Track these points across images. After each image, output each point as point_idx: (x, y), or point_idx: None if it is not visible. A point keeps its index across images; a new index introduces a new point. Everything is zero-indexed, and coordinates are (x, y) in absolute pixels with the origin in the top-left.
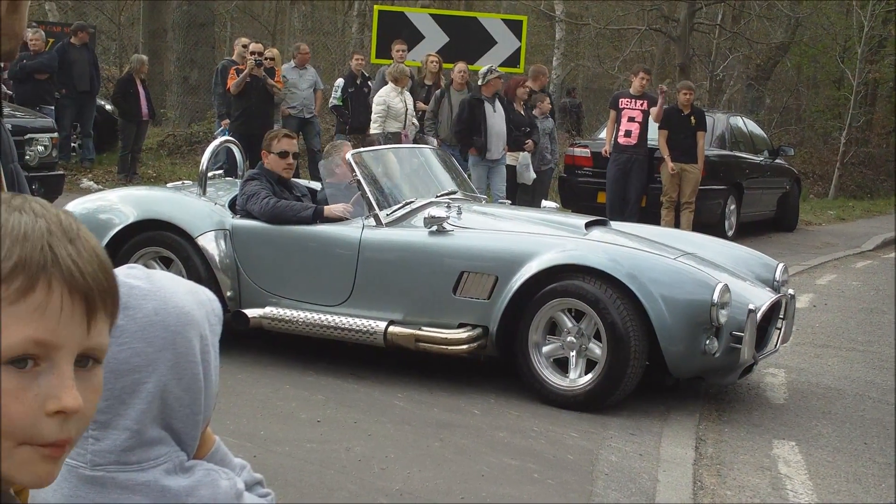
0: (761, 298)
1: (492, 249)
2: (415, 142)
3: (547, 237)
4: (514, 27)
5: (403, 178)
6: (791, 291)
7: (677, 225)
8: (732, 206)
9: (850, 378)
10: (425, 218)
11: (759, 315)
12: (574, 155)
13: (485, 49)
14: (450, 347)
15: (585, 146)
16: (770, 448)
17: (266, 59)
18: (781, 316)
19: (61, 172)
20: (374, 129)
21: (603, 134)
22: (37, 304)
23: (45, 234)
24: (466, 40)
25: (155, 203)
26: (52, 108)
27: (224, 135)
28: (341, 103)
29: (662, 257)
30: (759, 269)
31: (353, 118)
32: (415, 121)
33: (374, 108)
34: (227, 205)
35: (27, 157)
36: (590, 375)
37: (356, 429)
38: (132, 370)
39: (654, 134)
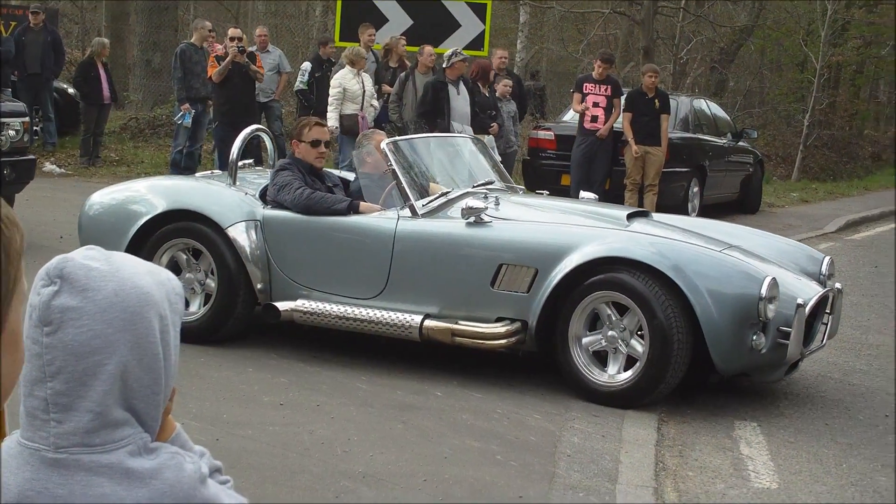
0: (808, 293)
1: (532, 241)
2: (376, 125)
3: (588, 229)
4: (479, 10)
5: (439, 168)
6: (838, 285)
7: (641, 207)
8: (696, 189)
9: (811, 359)
10: (462, 209)
11: (807, 310)
12: (538, 138)
13: (449, 32)
14: (487, 342)
15: (549, 129)
16: (732, 429)
17: (240, 44)
18: (828, 311)
19: (33, 157)
20: (330, 111)
21: (566, 117)
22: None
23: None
24: (430, 23)
25: (184, 193)
26: (10, 91)
27: (185, 120)
28: (307, 87)
29: (708, 250)
30: (804, 262)
31: (317, 103)
32: (374, 103)
33: (331, 91)
34: (257, 195)
35: None
36: (630, 372)
37: (319, 411)
38: (92, 352)
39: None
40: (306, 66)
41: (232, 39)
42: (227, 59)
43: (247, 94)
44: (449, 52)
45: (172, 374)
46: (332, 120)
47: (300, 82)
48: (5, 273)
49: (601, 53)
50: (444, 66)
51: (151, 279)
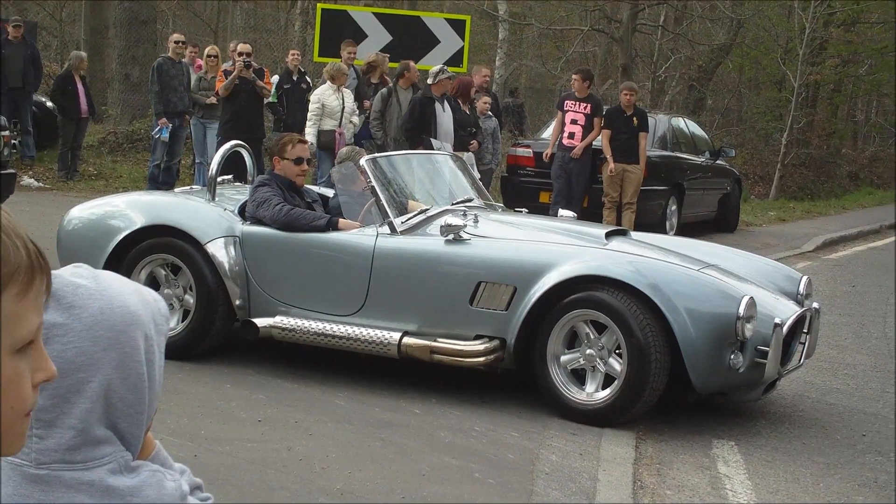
0: (786, 312)
1: (510, 259)
2: (356, 142)
3: (567, 247)
4: (458, 27)
5: (419, 185)
6: (816, 305)
7: (619, 225)
8: (674, 207)
9: (788, 378)
10: (441, 226)
11: (784, 329)
12: (516, 155)
13: (428, 48)
14: (466, 360)
15: (528, 146)
16: (710, 447)
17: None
18: (805, 330)
19: (13, 171)
20: (308, 126)
21: (545, 134)
22: (35, 293)
23: (14, 232)
24: (409, 39)
25: (162, 208)
26: None
27: (162, 134)
28: (275, 100)
29: (686, 268)
30: (782, 282)
31: (287, 115)
32: (354, 119)
33: (310, 106)
34: (236, 211)
35: None
36: (608, 390)
37: (297, 428)
38: (77, 369)
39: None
40: (274, 79)
41: (240, 55)
42: (234, 73)
43: (253, 109)
44: (435, 68)
45: (156, 395)
46: (311, 136)
47: (271, 95)
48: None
49: (578, 69)
50: (429, 82)
51: (138, 299)
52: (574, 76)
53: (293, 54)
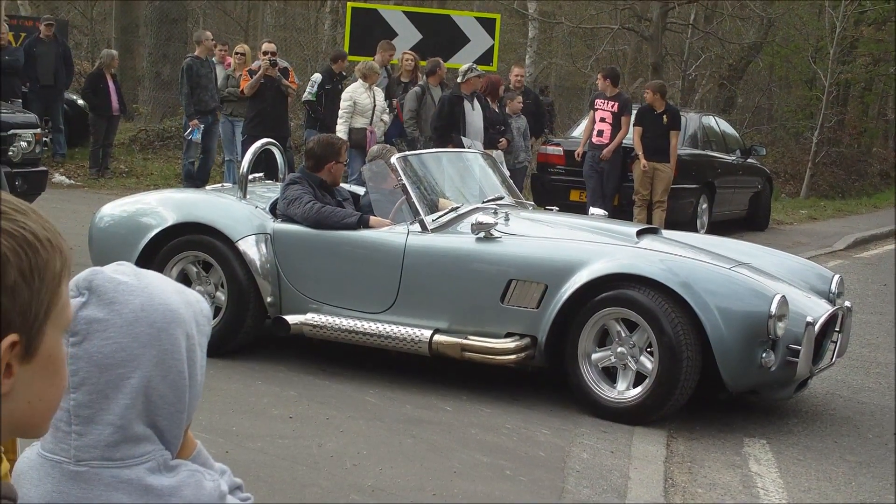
0: (818, 311)
1: (541, 257)
2: (387, 140)
3: (598, 245)
4: (488, 25)
5: (449, 183)
6: (848, 303)
7: (649, 223)
8: (704, 205)
9: (820, 377)
10: (472, 224)
11: (816, 328)
12: (547, 153)
13: (458, 47)
14: (497, 357)
15: (558, 144)
16: (741, 446)
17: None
18: (837, 329)
19: (44, 169)
20: (340, 124)
21: (576, 132)
22: (68, 281)
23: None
24: (440, 38)
25: (194, 206)
26: (21, 101)
27: (194, 136)
28: (314, 98)
29: (718, 267)
30: (813, 280)
31: (325, 115)
32: (385, 118)
33: (342, 104)
34: (267, 208)
35: (11, 152)
36: (639, 388)
37: (328, 425)
38: (116, 364)
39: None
40: (316, 77)
41: (265, 53)
42: (259, 72)
43: (278, 108)
44: (465, 67)
45: (197, 395)
46: (342, 133)
47: (309, 93)
48: (37, 295)
49: (602, 69)
50: (459, 80)
51: (180, 298)
52: (601, 78)
53: (342, 63)
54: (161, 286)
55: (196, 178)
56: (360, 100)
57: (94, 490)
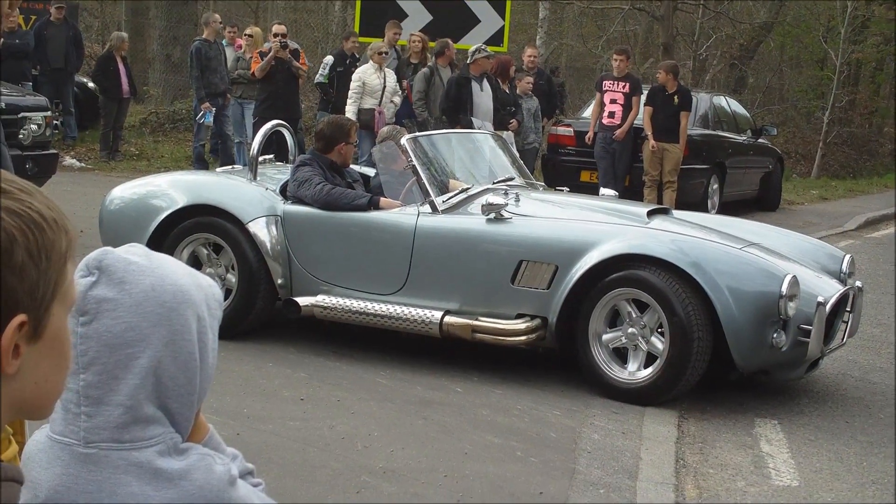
0: (829, 291)
1: (552, 238)
2: (397, 121)
3: (609, 225)
4: (498, 6)
5: (459, 164)
6: (859, 283)
7: (660, 203)
8: (715, 186)
9: (831, 357)
10: (483, 205)
11: (827, 308)
12: (557, 134)
13: (468, 28)
14: (507, 338)
15: (569, 125)
16: (752, 426)
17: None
18: (848, 309)
19: (55, 151)
20: (349, 104)
21: (586, 113)
22: (73, 261)
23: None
24: (450, 19)
25: (205, 188)
26: (31, 84)
27: (207, 119)
28: (326, 81)
29: (728, 247)
30: (824, 260)
31: (337, 97)
32: (396, 99)
33: (352, 85)
34: (278, 190)
35: (21, 135)
36: (650, 369)
37: (339, 406)
38: (126, 344)
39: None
40: (328, 59)
41: (276, 35)
42: (270, 54)
43: (289, 90)
44: (473, 48)
45: (209, 377)
46: (351, 114)
47: (321, 75)
48: (45, 275)
49: (619, 48)
50: (467, 61)
51: (191, 280)
52: (618, 56)
53: (353, 40)
54: (172, 267)
55: (216, 162)
56: (370, 80)
57: (104, 473)
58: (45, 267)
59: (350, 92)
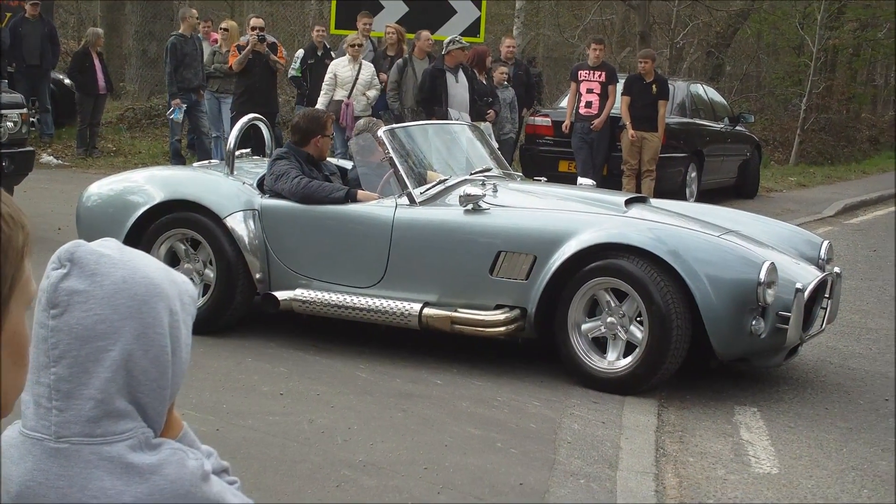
0: (807, 277)
1: (530, 228)
2: (373, 113)
3: (586, 215)
4: None
5: (437, 156)
6: (837, 270)
7: (638, 192)
8: (693, 174)
9: (810, 344)
10: (460, 196)
11: (806, 294)
12: (535, 124)
13: (444, 19)
14: (487, 329)
15: (546, 115)
16: (732, 414)
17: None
18: (827, 295)
19: (31, 149)
20: (322, 95)
21: (563, 103)
22: (30, 257)
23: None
24: (426, 10)
25: (181, 183)
26: (6, 81)
27: (175, 116)
28: (299, 74)
29: (706, 235)
30: (802, 247)
31: (311, 90)
32: (369, 93)
33: (325, 77)
34: (255, 184)
35: None
36: (630, 358)
37: (319, 401)
38: (96, 336)
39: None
40: (299, 53)
41: (253, 29)
42: (247, 48)
43: (267, 83)
44: (448, 39)
45: (181, 372)
46: (322, 105)
47: (293, 69)
48: (4, 273)
49: (594, 38)
50: (442, 53)
51: (164, 275)
52: (596, 46)
53: (318, 30)
54: (144, 261)
55: (193, 157)
56: (341, 73)
57: (75, 468)
58: (2, 263)
59: (323, 84)
